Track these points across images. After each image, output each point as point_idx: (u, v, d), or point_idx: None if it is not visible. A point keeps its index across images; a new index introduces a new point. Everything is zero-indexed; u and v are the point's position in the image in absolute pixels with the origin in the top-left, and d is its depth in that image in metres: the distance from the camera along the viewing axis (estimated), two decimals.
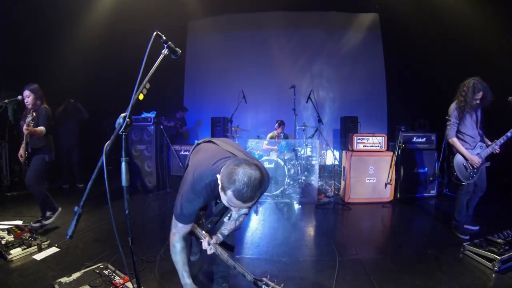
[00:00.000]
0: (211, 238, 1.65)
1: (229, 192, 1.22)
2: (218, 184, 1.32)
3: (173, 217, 1.52)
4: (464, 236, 2.95)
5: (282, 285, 1.33)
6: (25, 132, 2.88)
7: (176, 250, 1.55)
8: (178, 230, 1.53)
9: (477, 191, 3.04)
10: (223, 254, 1.57)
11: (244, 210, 1.73)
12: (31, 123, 2.91)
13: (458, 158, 2.94)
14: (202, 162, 1.52)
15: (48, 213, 3.20)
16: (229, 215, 1.75)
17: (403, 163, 4.58)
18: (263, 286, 1.34)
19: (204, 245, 1.64)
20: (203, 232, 1.70)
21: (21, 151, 3.05)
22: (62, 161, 5.25)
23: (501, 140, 2.81)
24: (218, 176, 1.31)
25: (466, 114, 2.90)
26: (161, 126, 5.04)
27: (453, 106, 2.97)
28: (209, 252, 1.64)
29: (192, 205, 1.45)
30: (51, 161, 3.23)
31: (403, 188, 4.57)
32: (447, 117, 3.00)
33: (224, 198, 1.29)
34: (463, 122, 2.92)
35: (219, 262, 1.98)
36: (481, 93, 2.78)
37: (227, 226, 1.74)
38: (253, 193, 1.21)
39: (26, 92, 3.04)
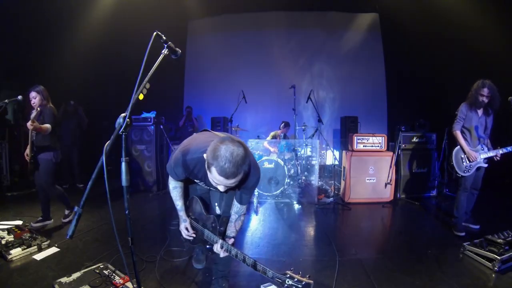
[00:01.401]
0: (225, 241, 1.63)
1: (213, 168, 1.26)
2: (203, 163, 1.39)
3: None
4: (460, 233, 2.99)
5: (308, 276, 1.30)
6: (30, 127, 2.85)
7: (170, 189, 1.83)
8: (170, 178, 1.79)
9: (472, 190, 3.10)
10: (240, 254, 1.52)
11: (243, 210, 1.73)
12: (39, 119, 2.93)
13: (457, 149, 3.02)
14: (195, 139, 1.67)
15: (66, 212, 3.39)
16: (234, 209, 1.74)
17: (403, 163, 4.59)
18: (287, 280, 1.30)
19: (217, 248, 1.60)
20: (215, 236, 1.66)
21: (27, 150, 3.06)
22: (62, 161, 5.24)
23: (504, 149, 2.87)
24: (205, 155, 1.35)
25: (474, 112, 2.96)
26: (161, 126, 5.03)
27: (462, 103, 3.06)
28: (222, 255, 1.59)
29: (176, 168, 1.63)
30: (59, 160, 3.27)
31: (403, 188, 4.57)
32: (455, 113, 3.09)
33: (209, 176, 1.33)
34: (469, 120, 2.99)
35: (218, 262, 1.98)
36: (486, 89, 2.83)
37: (232, 228, 1.74)
38: (235, 169, 1.24)
39: (33, 94, 3.06)
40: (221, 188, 1.38)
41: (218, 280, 1.98)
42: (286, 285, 1.31)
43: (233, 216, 1.74)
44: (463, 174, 2.97)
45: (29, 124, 2.83)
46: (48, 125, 3.02)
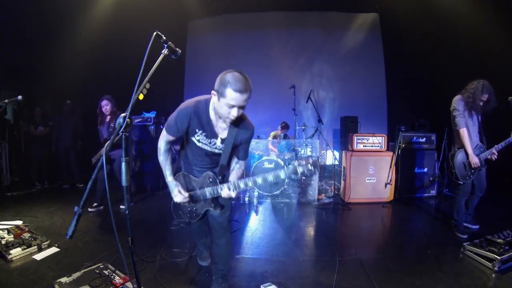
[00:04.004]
0: (227, 186, 1.64)
1: (227, 90, 1.43)
2: (202, 110, 1.63)
3: (163, 128, 1.76)
4: (462, 235, 2.96)
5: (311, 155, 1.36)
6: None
7: (160, 151, 1.79)
8: (163, 136, 1.77)
9: (476, 192, 3.05)
10: (249, 179, 1.57)
11: (242, 163, 1.82)
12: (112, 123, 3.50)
13: (459, 156, 2.93)
14: (189, 100, 1.72)
15: (94, 204, 3.65)
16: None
17: (403, 163, 4.58)
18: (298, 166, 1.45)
19: (226, 192, 1.62)
20: (218, 185, 1.68)
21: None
22: (61, 161, 5.25)
23: (499, 146, 2.81)
24: (213, 92, 1.52)
25: (469, 113, 2.89)
26: (161, 126, 5.03)
27: (458, 97, 2.90)
28: (233, 195, 1.63)
29: (176, 122, 1.67)
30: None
31: (403, 188, 4.56)
32: (452, 108, 2.93)
33: (221, 104, 1.48)
34: (465, 119, 2.90)
35: (217, 261, 1.98)
36: (487, 95, 2.78)
37: (233, 175, 1.80)
38: (246, 82, 1.46)
39: (104, 102, 3.63)
40: (235, 113, 1.49)
41: (218, 279, 1.98)
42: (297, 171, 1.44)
43: (233, 165, 1.84)
44: (465, 182, 2.91)
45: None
46: None
